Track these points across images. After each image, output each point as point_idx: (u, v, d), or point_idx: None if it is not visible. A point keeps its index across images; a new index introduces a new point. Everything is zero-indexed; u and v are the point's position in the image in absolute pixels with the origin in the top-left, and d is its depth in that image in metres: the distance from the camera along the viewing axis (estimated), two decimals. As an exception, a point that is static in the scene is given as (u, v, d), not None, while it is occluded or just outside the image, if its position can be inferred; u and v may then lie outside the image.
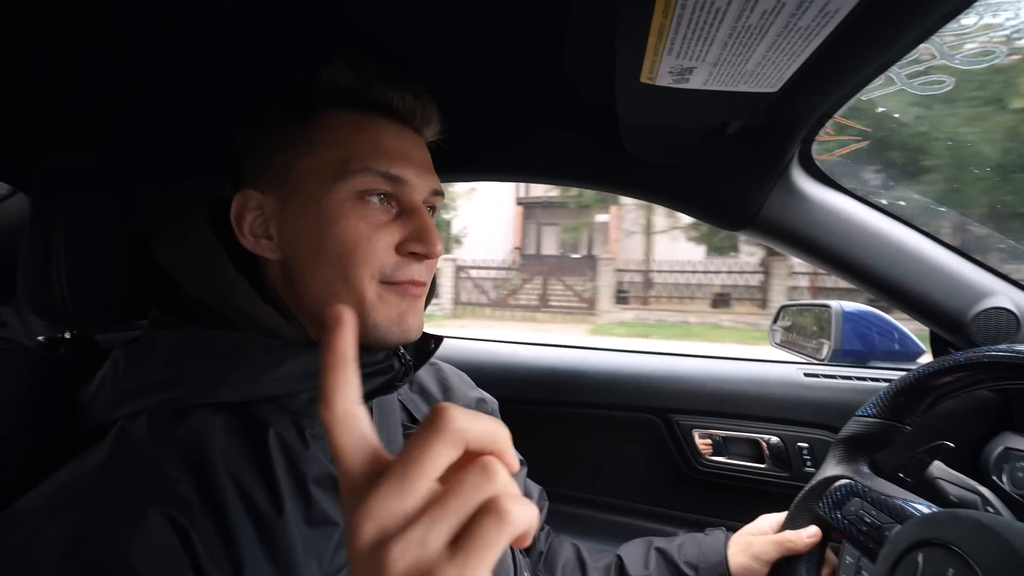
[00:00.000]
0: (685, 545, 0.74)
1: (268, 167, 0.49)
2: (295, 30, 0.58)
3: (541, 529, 0.81)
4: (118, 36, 0.57)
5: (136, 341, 0.47)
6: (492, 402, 0.75)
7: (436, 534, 0.23)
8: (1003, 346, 0.52)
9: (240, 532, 0.38)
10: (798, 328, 1.40)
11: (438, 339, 0.58)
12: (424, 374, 0.69)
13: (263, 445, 0.42)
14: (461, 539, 0.23)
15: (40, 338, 0.58)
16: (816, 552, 0.68)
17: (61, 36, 0.57)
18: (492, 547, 0.23)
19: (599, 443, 1.10)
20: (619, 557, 0.76)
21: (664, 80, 0.50)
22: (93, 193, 0.53)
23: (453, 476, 0.24)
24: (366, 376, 0.49)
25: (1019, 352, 0.49)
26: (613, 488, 1.11)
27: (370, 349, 0.49)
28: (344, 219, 0.46)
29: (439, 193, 0.53)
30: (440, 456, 0.24)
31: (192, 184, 0.63)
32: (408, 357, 0.53)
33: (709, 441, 1.05)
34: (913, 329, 1.11)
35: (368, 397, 0.50)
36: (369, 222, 0.46)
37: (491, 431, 0.25)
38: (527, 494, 0.79)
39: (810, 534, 0.66)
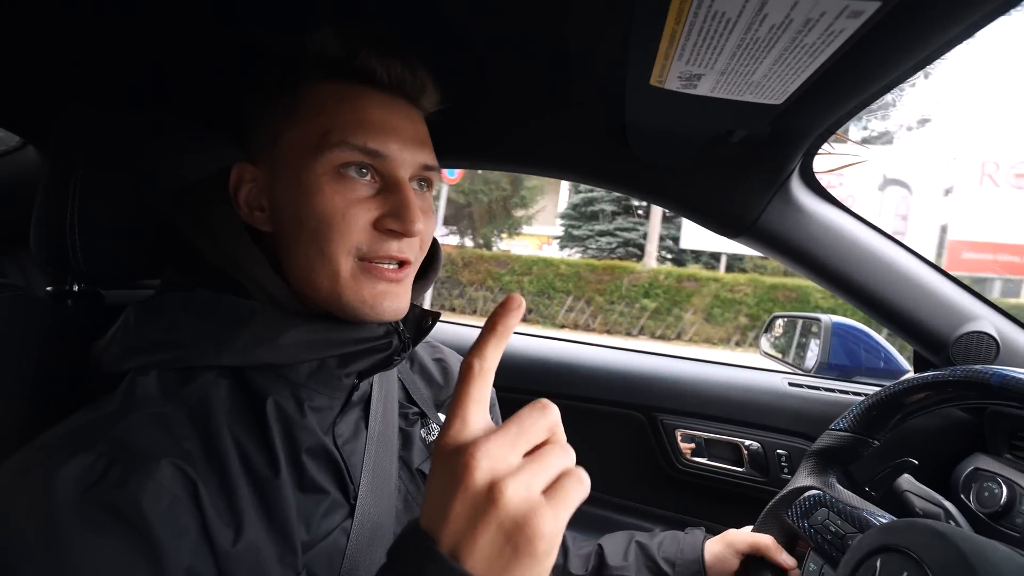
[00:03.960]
0: (665, 542, 0.76)
1: (261, 139, 0.49)
2: (300, 5, 0.58)
3: None
4: None
5: (149, 300, 0.48)
6: (491, 391, 0.76)
7: (539, 481, 0.28)
8: (966, 367, 0.53)
9: (240, 490, 0.40)
10: (788, 338, 1.42)
11: (435, 316, 0.57)
12: (426, 358, 0.69)
13: (262, 412, 0.44)
14: (552, 490, 0.29)
15: (48, 288, 0.60)
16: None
17: None
18: (574, 500, 0.29)
19: (585, 436, 1.12)
20: (600, 546, 0.78)
21: (673, 84, 0.51)
22: (108, 151, 0.54)
23: (541, 448, 0.30)
24: (366, 351, 0.50)
25: (980, 372, 0.51)
26: (596, 482, 1.13)
27: (367, 324, 0.50)
28: (320, 193, 0.45)
29: (431, 168, 0.50)
30: (542, 430, 0.30)
31: (206, 149, 0.64)
32: (408, 334, 0.54)
33: (692, 443, 1.07)
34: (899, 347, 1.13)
35: (368, 372, 0.51)
36: (346, 197, 0.45)
37: (562, 433, 0.32)
38: None
39: (787, 559, 0.68)
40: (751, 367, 1.17)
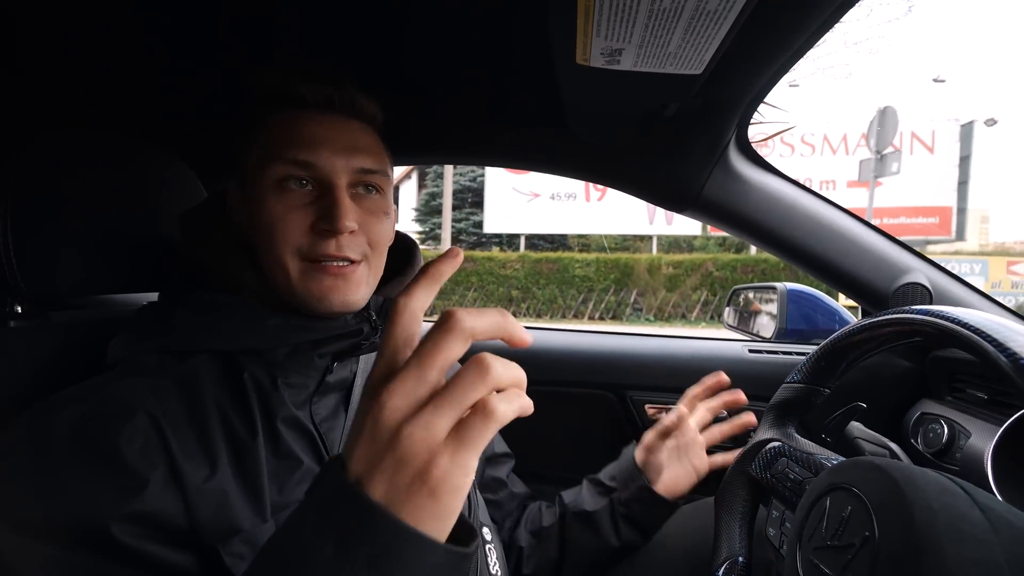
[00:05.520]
0: (608, 467, 0.84)
1: (238, 165, 0.57)
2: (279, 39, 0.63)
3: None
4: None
5: (155, 301, 0.57)
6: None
7: (440, 421, 0.28)
8: (897, 308, 0.57)
9: (216, 445, 0.46)
10: (749, 310, 1.47)
11: None
12: None
13: (241, 383, 0.50)
14: (456, 430, 0.28)
15: None
16: (748, 509, 0.73)
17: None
18: (479, 440, 0.28)
19: (558, 419, 1.14)
20: (560, 495, 0.86)
21: (597, 61, 0.53)
22: (38, 169, 0.54)
23: (448, 386, 0.29)
24: (336, 337, 0.55)
25: (908, 311, 0.54)
26: (572, 463, 1.15)
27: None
28: (265, 203, 0.52)
29: (371, 171, 0.55)
30: (449, 349, 0.29)
31: (145, 163, 0.64)
32: (380, 322, 0.58)
33: (660, 415, 1.10)
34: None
35: (337, 357, 0.56)
36: (286, 205, 0.51)
37: (494, 322, 0.31)
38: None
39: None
40: (713, 338, 1.20)
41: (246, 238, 0.56)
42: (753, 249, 10.97)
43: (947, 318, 0.48)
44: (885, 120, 7.84)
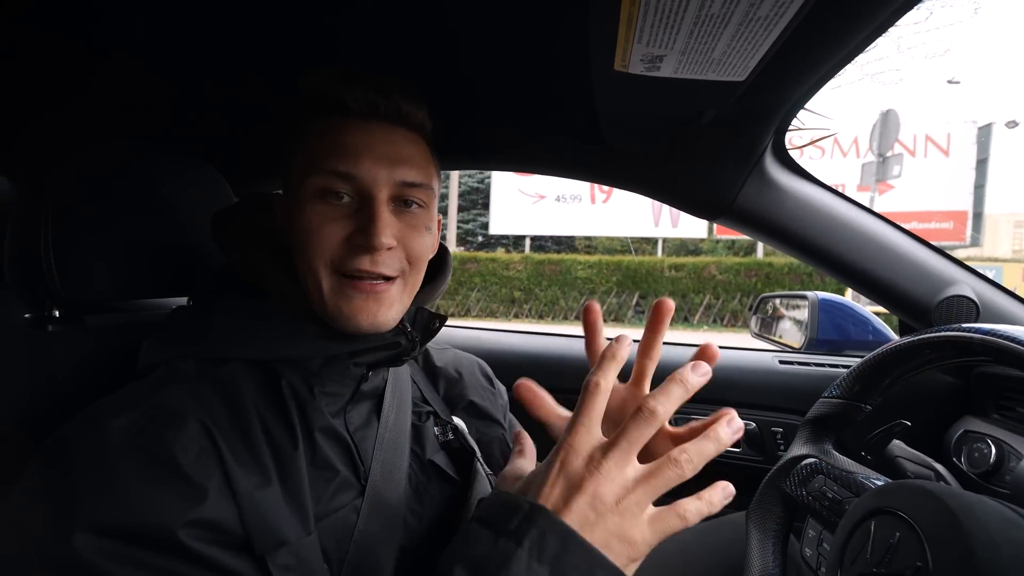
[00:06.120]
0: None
1: (282, 170, 0.57)
2: (302, 43, 0.63)
3: None
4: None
5: (190, 305, 0.56)
6: (504, 397, 0.78)
7: (646, 499, 0.36)
8: (949, 326, 0.54)
9: (264, 453, 0.46)
10: (776, 318, 1.44)
11: (442, 318, 0.61)
12: (442, 361, 0.74)
13: (279, 392, 0.50)
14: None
15: (27, 315, 0.59)
16: (782, 527, 0.71)
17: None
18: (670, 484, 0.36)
19: None
20: None
21: (636, 68, 0.52)
22: (76, 176, 0.55)
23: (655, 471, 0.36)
24: (373, 349, 0.55)
25: (962, 330, 0.52)
26: None
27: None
28: (303, 213, 0.50)
29: (412, 184, 0.52)
30: (648, 435, 0.36)
31: (185, 172, 0.65)
32: (416, 335, 0.58)
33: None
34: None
35: (375, 366, 0.56)
36: (323, 216, 0.50)
37: (681, 396, 0.37)
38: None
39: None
40: (741, 348, 1.18)
41: (287, 245, 0.55)
42: (759, 253, 10.81)
43: (1010, 338, 0.46)
44: (887, 123, 7.74)
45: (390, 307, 0.52)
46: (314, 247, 0.50)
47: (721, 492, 0.38)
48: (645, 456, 0.54)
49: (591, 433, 0.37)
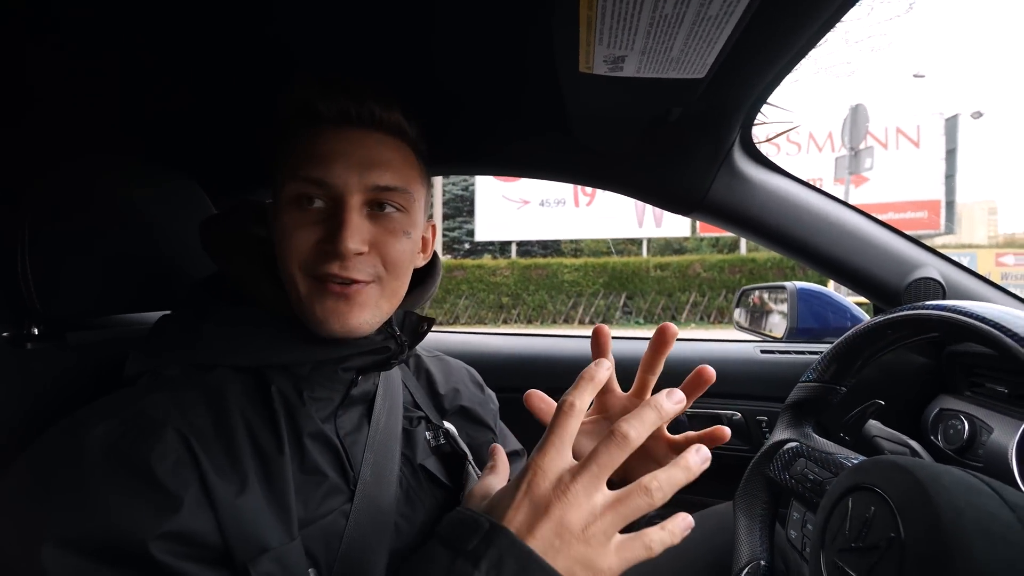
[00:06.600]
0: None
1: (270, 182, 0.57)
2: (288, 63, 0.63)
3: None
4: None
5: (178, 313, 0.56)
6: (494, 402, 0.79)
7: (617, 525, 0.36)
8: (911, 304, 0.56)
9: (245, 460, 0.46)
10: (758, 310, 1.46)
11: (430, 321, 0.62)
12: (432, 367, 0.74)
13: (268, 398, 0.50)
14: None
15: (4, 334, 0.59)
16: (768, 511, 0.72)
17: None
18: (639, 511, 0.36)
19: None
20: None
21: (601, 69, 0.53)
22: (54, 192, 0.55)
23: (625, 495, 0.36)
24: (362, 353, 0.55)
25: (923, 307, 0.54)
26: None
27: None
28: (279, 218, 0.52)
29: (386, 188, 0.52)
30: (620, 459, 0.36)
31: (155, 183, 0.65)
32: (404, 338, 0.58)
33: (675, 420, 1.09)
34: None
35: (364, 371, 0.57)
36: (296, 221, 0.51)
37: (654, 421, 0.37)
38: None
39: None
40: (723, 340, 1.20)
41: (274, 253, 0.55)
42: (742, 249, 10.97)
43: (964, 313, 0.48)
44: (857, 117, 7.96)
45: (362, 310, 0.51)
46: (288, 251, 0.51)
47: (682, 522, 0.39)
48: (644, 458, 0.55)
49: (561, 455, 0.36)
